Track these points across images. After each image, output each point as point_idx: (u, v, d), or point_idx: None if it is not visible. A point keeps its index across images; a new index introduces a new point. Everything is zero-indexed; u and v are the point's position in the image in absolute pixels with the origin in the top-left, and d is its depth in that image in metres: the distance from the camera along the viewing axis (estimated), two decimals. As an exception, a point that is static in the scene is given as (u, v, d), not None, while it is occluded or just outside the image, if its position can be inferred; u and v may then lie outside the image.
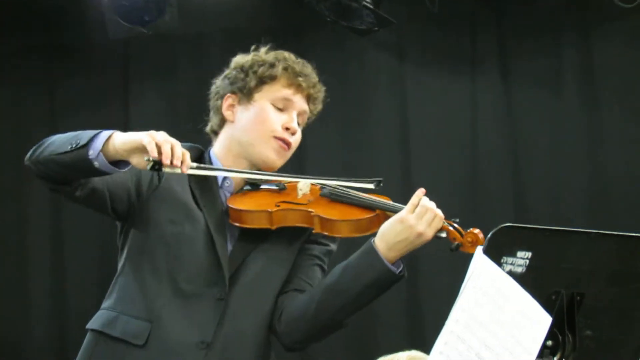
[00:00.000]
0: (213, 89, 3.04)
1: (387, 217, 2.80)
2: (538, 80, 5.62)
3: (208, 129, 3.02)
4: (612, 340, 2.44)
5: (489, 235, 2.31)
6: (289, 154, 2.95)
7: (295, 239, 2.92)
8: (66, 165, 2.63)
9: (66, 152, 2.61)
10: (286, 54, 2.99)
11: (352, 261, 2.80)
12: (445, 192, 5.02)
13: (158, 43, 5.73)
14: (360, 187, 2.88)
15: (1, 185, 6.00)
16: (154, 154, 2.53)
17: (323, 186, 2.88)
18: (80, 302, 5.74)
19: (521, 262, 2.32)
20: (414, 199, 2.74)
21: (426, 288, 5.50)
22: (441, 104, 5.71)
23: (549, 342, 2.31)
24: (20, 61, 5.96)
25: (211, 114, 3.02)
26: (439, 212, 2.75)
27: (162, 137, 2.58)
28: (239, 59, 3.01)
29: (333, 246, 3.00)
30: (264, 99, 2.92)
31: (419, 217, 2.71)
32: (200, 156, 2.93)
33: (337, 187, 2.87)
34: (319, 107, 3.02)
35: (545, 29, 5.62)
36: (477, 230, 2.75)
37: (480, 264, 2.26)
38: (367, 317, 5.31)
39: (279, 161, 2.91)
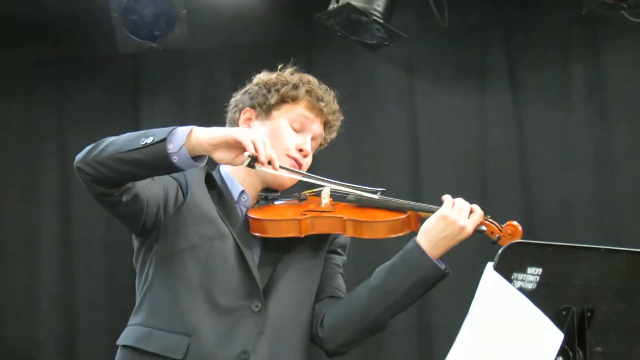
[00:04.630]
0: (232, 101, 3.06)
1: (419, 218, 2.83)
2: (547, 94, 5.62)
3: None
4: (623, 356, 2.44)
5: (499, 252, 2.31)
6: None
7: (320, 248, 2.95)
8: (136, 162, 2.58)
9: (138, 149, 2.58)
10: (311, 77, 3.03)
11: (397, 261, 2.80)
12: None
13: (168, 58, 5.75)
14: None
15: (11, 197, 6.01)
16: (252, 150, 2.56)
17: (346, 194, 2.88)
18: (90, 315, 5.74)
19: (531, 278, 2.32)
20: (449, 197, 2.82)
21: (436, 303, 5.48)
22: (451, 118, 5.70)
23: (560, 359, 2.32)
24: (31, 75, 5.99)
25: (226, 126, 3.02)
26: (477, 207, 2.81)
27: (259, 136, 2.61)
28: (263, 76, 3.03)
29: (345, 258, 3.04)
30: (282, 117, 2.95)
31: (459, 212, 2.77)
32: (207, 175, 2.93)
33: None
34: (333, 135, 3.08)
35: (555, 43, 5.61)
36: (515, 223, 2.80)
37: (490, 281, 2.26)
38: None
39: (289, 180, 2.91)
